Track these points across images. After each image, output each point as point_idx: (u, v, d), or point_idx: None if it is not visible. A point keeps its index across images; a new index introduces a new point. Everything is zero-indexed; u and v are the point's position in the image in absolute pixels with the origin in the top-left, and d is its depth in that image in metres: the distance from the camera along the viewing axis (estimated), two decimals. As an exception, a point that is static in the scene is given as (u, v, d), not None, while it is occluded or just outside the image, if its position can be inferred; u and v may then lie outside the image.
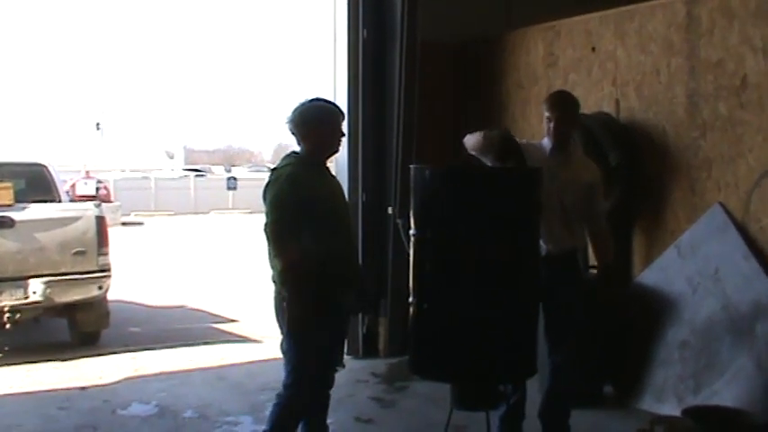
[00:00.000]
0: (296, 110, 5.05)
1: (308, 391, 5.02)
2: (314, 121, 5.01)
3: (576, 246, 5.77)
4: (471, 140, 5.47)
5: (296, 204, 4.83)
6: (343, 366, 5.38)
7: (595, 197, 5.66)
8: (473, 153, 5.47)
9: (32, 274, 9.04)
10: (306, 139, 5.03)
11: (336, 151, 5.26)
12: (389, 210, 8.37)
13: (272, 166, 5.37)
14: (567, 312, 5.54)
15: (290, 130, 5.05)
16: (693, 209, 6.80)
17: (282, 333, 5.01)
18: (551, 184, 5.32)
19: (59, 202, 10.23)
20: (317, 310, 4.82)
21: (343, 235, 5.10)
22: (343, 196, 5.33)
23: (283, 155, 5.25)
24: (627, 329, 7.07)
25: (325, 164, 5.23)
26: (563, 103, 5.64)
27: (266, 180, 5.03)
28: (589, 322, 5.97)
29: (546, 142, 5.60)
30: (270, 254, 4.89)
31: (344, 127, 5.16)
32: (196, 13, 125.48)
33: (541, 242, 5.42)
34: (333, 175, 5.36)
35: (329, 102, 5.20)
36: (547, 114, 5.58)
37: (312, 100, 5.12)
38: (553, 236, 5.51)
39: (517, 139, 5.70)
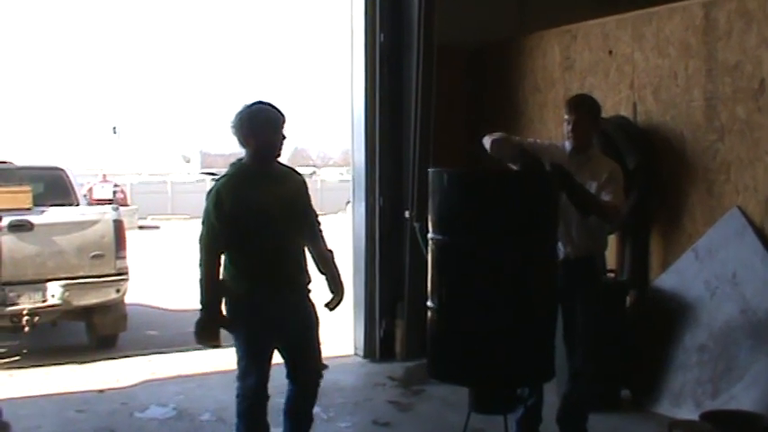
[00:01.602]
0: (236, 115, 5.08)
1: (247, 386, 5.18)
2: (253, 126, 5.03)
3: (595, 250, 5.73)
4: (488, 142, 5.48)
5: (220, 222, 5.00)
6: (326, 367, 5.56)
7: (605, 188, 5.47)
8: (492, 154, 5.48)
9: (51, 277, 9.11)
10: (247, 144, 5.09)
11: (278, 155, 5.20)
12: (407, 213, 8.38)
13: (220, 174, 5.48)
14: (585, 316, 5.53)
15: (233, 134, 5.11)
16: (711, 212, 6.78)
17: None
18: None
19: (77, 205, 10.28)
20: (240, 318, 5.13)
21: (277, 242, 5.11)
22: (290, 199, 5.23)
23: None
24: (644, 333, 7.06)
25: (269, 168, 5.18)
26: (580, 106, 5.64)
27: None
28: (607, 326, 5.96)
29: (567, 144, 5.61)
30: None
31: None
32: (212, 18, 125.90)
33: (560, 245, 5.43)
34: (283, 177, 5.27)
35: (270, 105, 5.14)
36: (565, 117, 5.60)
37: (253, 104, 5.13)
38: (571, 239, 5.51)
39: (538, 141, 5.70)
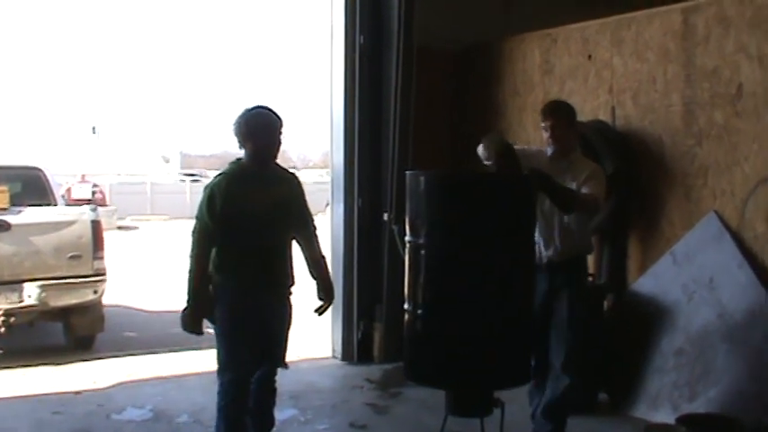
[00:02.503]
0: (239, 116, 5.28)
1: (228, 380, 5.31)
2: (251, 129, 5.23)
3: (579, 252, 5.77)
4: (480, 150, 5.48)
5: (212, 219, 5.16)
6: (286, 367, 5.61)
7: (584, 185, 5.50)
8: (486, 162, 5.46)
9: (28, 277, 9.03)
10: (245, 146, 5.29)
11: (273, 158, 5.36)
12: (385, 216, 8.38)
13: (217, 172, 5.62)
14: (570, 319, 5.57)
15: (234, 134, 5.30)
16: (689, 216, 6.81)
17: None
18: None
19: (55, 205, 10.21)
20: (222, 312, 5.23)
21: (265, 242, 5.27)
22: (284, 202, 5.38)
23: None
24: (622, 336, 7.08)
25: (265, 170, 5.34)
26: (553, 111, 5.73)
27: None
28: (590, 329, 5.98)
29: (549, 150, 5.66)
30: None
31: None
32: (193, 18, 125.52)
33: (542, 248, 5.47)
34: (278, 179, 5.43)
35: (270, 110, 5.33)
36: (542, 123, 5.69)
37: (254, 108, 5.32)
38: (553, 242, 5.56)
39: (520, 146, 5.73)
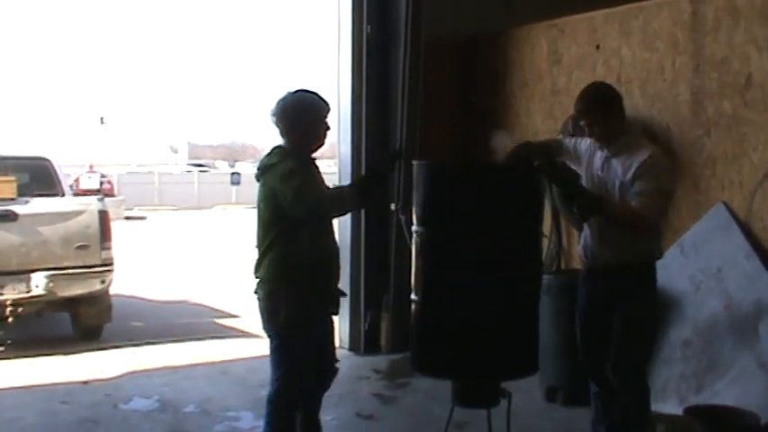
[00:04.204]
0: (279, 102, 4.91)
1: (295, 385, 4.99)
2: (297, 114, 4.86)
3: (640, 256, 5.17)
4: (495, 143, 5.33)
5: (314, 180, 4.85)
6: (338, 360, 5.41)
7: (635, 187, 4.90)
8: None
9: (35, 267, 9.07)
10: (289, 133, 4.91)
11: (321, 145, 5.00)
12: (392, 206, 8.37)
13: (257, 164, 5.16)
14: (631, 330, 5.14)
15: (274, 123, 4.93)
16: (697, 207, 6.78)
17: (267, 330, 5.06)
18: (599, 182, 5.10)
19: (63, 196, 10.23)
20: (310, 309, 4.92)
21: (331, 233, 5.10)
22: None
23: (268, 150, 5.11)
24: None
25: (311, 158, 5.02)
26: (582, 111, 5.13)
27: (258, 180, 4.97)
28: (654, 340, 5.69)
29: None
30: (259, 238, 5.09)
31: (335, 119, 5.03)
32: (201, 8, 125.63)
33: (596, 251, 5.17)
34: (319, 170, 5.12)
35: (313, 93, 4.98)
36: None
37: (296, 91, 4.96)
38: (607, 244, 5.12)
39: (578, 140, 5.36)
